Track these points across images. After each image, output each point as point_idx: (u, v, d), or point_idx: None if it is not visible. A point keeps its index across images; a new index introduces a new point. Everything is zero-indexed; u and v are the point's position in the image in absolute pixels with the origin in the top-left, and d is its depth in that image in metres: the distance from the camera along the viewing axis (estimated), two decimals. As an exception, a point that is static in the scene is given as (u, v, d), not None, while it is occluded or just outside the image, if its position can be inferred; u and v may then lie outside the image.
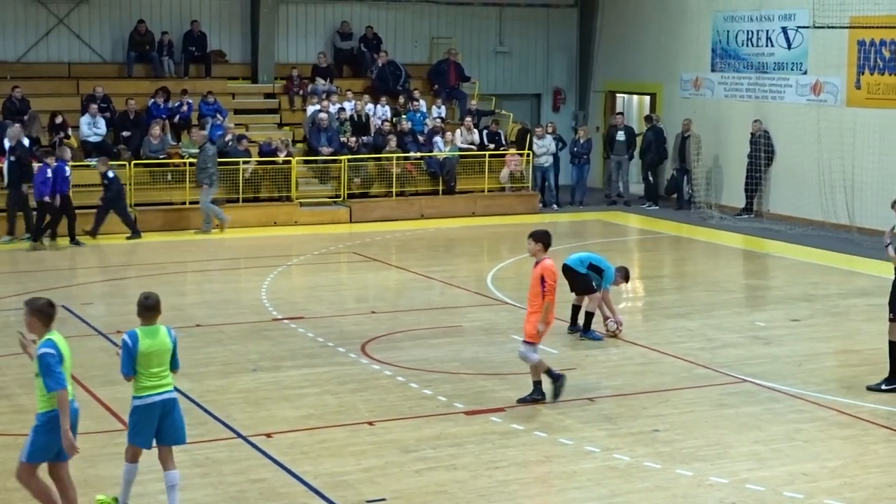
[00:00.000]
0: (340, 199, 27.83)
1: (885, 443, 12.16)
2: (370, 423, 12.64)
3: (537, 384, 13.40)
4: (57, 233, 23.82)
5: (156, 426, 9.89)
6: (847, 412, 13.18)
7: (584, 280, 16.47)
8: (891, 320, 13.88)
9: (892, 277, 13.84)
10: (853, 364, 15.49)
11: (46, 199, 23.19)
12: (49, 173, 23.20)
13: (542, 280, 13.15)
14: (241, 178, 26.45)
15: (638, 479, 11.04)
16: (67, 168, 23.74)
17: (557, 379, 13.46)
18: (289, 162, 27.12)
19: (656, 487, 10.84)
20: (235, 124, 28.43)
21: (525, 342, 13.34)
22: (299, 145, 28.95)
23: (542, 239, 13.57)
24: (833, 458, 11.73)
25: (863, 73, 26.03)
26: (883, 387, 13.90)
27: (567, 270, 16.64)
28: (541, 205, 29.66)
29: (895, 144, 24.79)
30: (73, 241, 23.87)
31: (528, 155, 29.63)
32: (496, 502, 10.48)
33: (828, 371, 15.28)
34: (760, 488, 10.80)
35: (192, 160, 26.16)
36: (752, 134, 28.22)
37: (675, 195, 30.13)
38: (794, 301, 19.29)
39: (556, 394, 13.42)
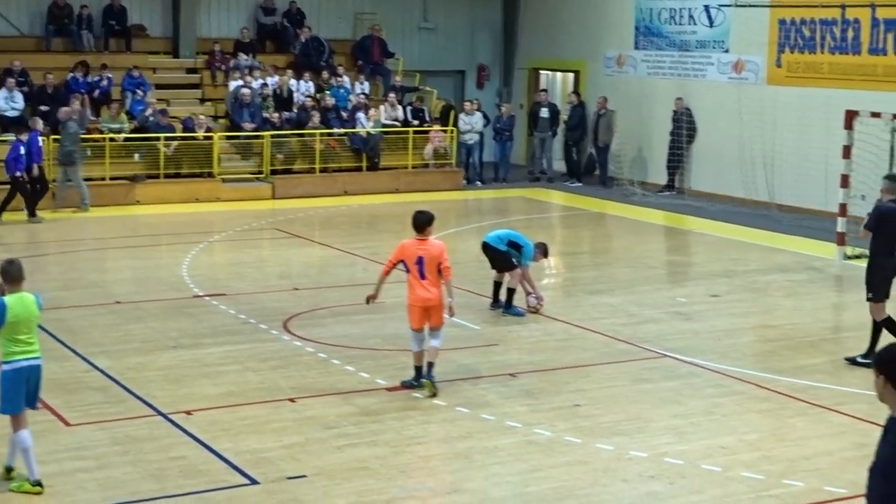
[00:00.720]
0: (263, 175, 27.64)
1: (802, 416, 12.31)
2: (292, 400, 12.58)
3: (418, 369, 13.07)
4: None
5: (25, 390, 9.89)
6: (765, 386, 13.33)
7: (505, 257, 16.50)
8: (869, 300, 14.08)
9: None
10: (771, 339, 15.68)
11: (18, 174, 23.12)
12: (22, 149, 23.08)
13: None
14: (161, 154, 26.17)
15: (559, 454, 11.09)
16: (41, 139, 23.77)
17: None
18: (210, 138, 26.88)
19: (577, 462, 10.90)
20: (157, 99, 28.12)
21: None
22: (221, 121, 28.71)
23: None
24: (751, 431, 11.86)
25: (783, 52, 26.28)
26: (858, 359, 14.08)
27: (487, 248, 16.68)
28: (465, 181, 29.67)
29: (814, 123, 25.05)
30: (32, 216, 23.68)
31: (452, 131, 29.61)
32: (417, 478, 10.48)
33: (746, 346, 15.45)
34: (679, 462, 10.90)
35: (112, 136, 25.85)
36: (674, 111, 28.41)
37: (595, 172, 30.31)
38: (715, 277, 19.46)
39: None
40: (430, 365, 12.90)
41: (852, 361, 14.13)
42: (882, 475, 5.86)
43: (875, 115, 20.90)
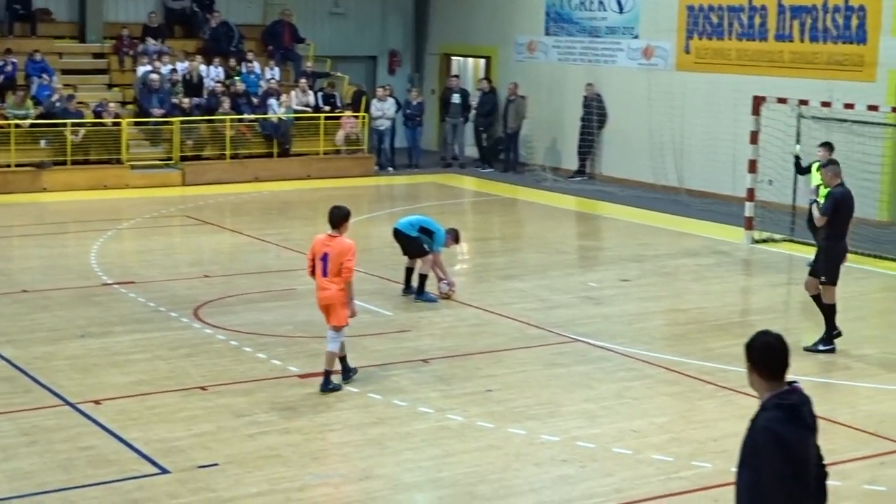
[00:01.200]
0: (173, 161, 27.37)
1: (711, 398, 12.46)
2: (202, 388, 12.49)
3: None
4: None
5: None
6: (675, 370, 13.47)
7: (416, 243, 16.49)
8: (822, 283, 14.23)
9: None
10: (681, 323, 15.85)
11: None
12: None
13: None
14: (69, 141, 25.80)
15: (471, 439, 11.12)
16: None
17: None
18: (118, 124, 26.55)
19: (489, 446, 10.93)
20: (64, 85, 27.72)
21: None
22: (130, 107, 28.37)
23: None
24: (661, 414, 11.98)
25: (692, 38, 26.53)
26: (820, 347, 14.23)
27: (398, 234, 16.66)
28: (377, 167, 29.61)
29: (722, 108, 25.32)
30: None
31: (364, 117, 29.53)
32: (330, 465, 10.46)
33: (656, 330, 15.59)
34: (591, 445, 10.98)
35: (17, 122, 25.45)
36: (584, 97, 28.56)
37: (504, 158, 30.39)
38: (625, 262, 19.62)
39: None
40: (327, 374, 12.41)
41: (813, 350, 14.26)
42: (744, 464, 5.99)
43: (781, 100, 21.17)
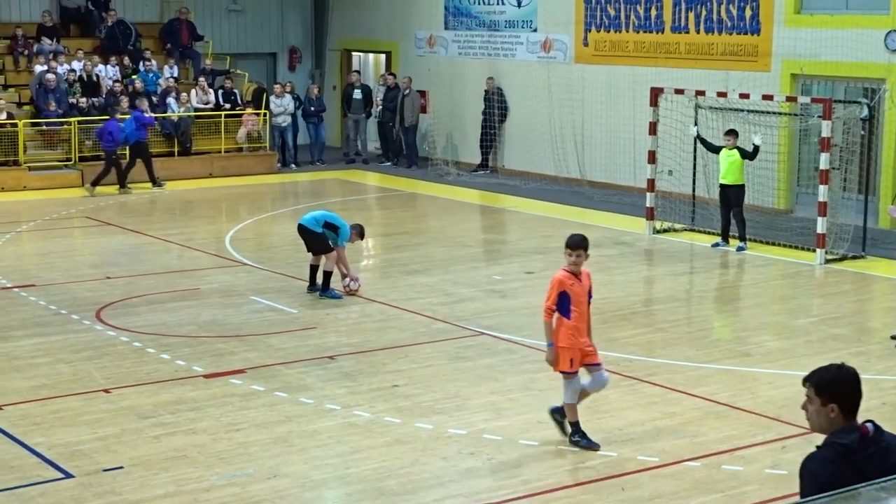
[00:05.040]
0: (71, 162, 27.00)
1: (615, 388, 12.50)
2: (106, 391, 12.36)
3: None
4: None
5: None
6: (579, 360, 13.55)
7: (321, 239, 16.45)
8: None
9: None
10: (585, 313, 15.94)
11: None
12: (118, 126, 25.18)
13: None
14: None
15: (378, 435, 11.13)
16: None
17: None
18: (15, 125, 26.13)
19: (396, 442, 10.95)
20: (-43, 86, 27.26)
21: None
22: (26, 107, 27.94)
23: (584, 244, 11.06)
24: (566, 405, 12.05)
25: (590, 31, 26.74)
26: None
27: (302, 230, 16.62)
28: (279, 164, 29.48)
29: (621, 100, 25.58)
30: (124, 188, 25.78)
31: (265, 114, 29.38)
32: (237, 464, 10.40)
33: (561, 321, 15.68)
34: (497, 438, 11.04)
35: None
36: (485, 91, 28.67)
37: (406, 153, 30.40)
38: (529, 254, 19.74)
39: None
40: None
41: None
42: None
43: (679, 91, 21.43)
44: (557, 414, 11.04)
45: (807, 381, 5.62)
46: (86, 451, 10.61)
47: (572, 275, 10.86)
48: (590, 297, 11.06)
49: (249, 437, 11.06)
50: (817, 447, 5.49)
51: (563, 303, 10.79)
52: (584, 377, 11.06)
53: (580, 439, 10.84)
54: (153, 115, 26.94)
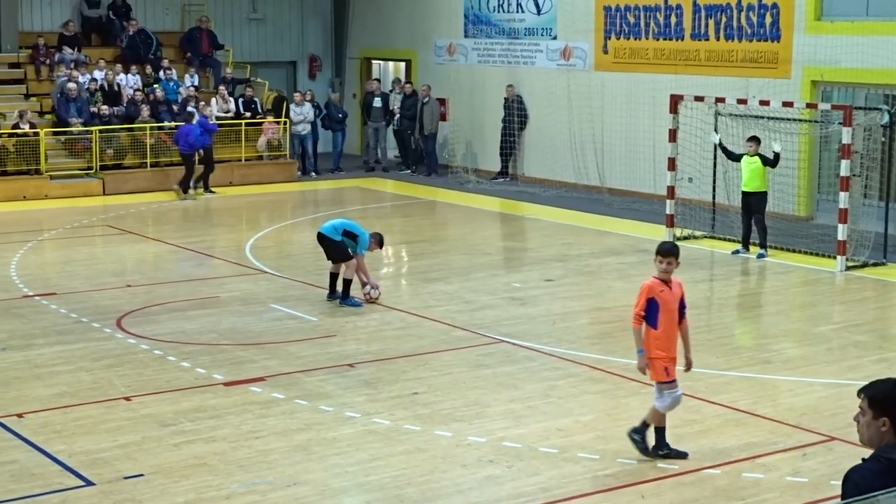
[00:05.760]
0: (92, 171, 27.12)
1: (635, 396, 12.54)
2: (127, 399, 12.39)
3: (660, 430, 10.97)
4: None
5: None
6: (599, 368, 13.57)
7: (340, 247, 16.47)
8: None
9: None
10: (605, 321, 15.96)
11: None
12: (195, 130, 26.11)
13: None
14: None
15: (398, 442, 11.13)
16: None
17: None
18: (37, 134, 26.25)
19: (416, 449, 10.95)
20: (-21, 96, 27.41)
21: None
22: (48, 116, 28.07)
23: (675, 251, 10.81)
24: (586, 412, 12.06)
25: (609, 38, 26.73)
26: None
27: (322, 238, 16.64)
28: (299, 172, 29.55)
29: (641, 108, 25.56)
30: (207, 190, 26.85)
31: (285, 123, 29.44)
32: (257, 472, 10.42)
33: (581, 329, 15.71)
34: (517, 445, 11.03)
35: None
36: (505, 99, 28.67)
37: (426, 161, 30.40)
38: (549, 262, 19.73)
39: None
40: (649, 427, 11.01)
41: None
42: None
43: (698, 98, 21.40)
44: (637, 434, 10.79)
45: (861, 392, 5.52)
46: (106, 459, 10.64)
47: (662, 282, 10.61)
48: (683, 306, 10.70)
49: (269, 445, 11.08)
50: (863, 459, 5.39)
51: (650, 311, 10.56)
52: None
53: (668, 451, 10.67)
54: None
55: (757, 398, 12.50)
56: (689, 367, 10.91)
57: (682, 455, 10.70)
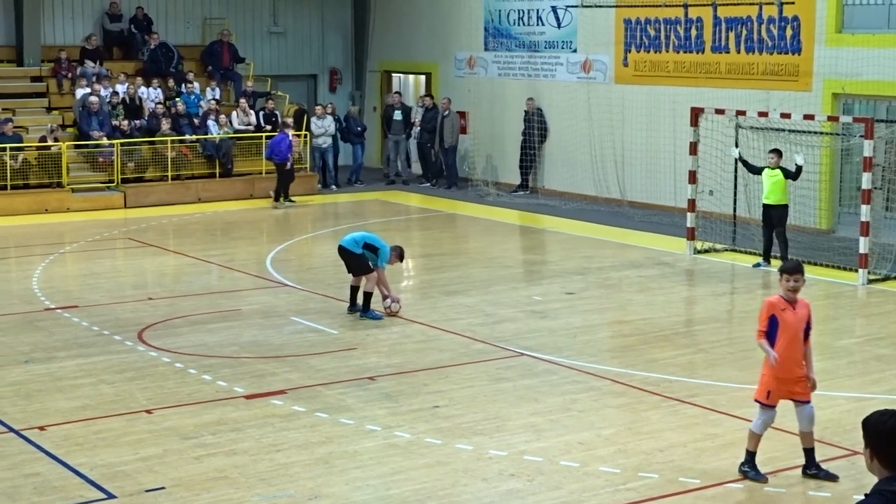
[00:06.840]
0: (114, 184, 27.22)
1: (656, 409, 12.53)
2: (148, 412, 12.42)
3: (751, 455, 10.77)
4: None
5: None
6: (620, 381, 13.54)
7: (360, 260, 16.48)
8: None
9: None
10: (625, 334, 15.94)
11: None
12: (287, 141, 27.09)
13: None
14: (7, 165, 25.59)
15: (419, 456, 11.12)
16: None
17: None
18: (59, 147, 26.37)
19: (437, 463, 10.95)
20: (1, 109, 27.51)
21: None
22: (70, 130, 28.20)
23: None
24: (607, 426, 12.03)
25: (629, 51, 26.73)
26: None
27: (342, 251, 16.66)
28: (320, 185, 29.60)
29: (662, 120, 25.54)
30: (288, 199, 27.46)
31: (305, 136, 29.51)
32: (278, 485, 10.42)
33: (601, 342, 15.68)
34: (538, 459, 11.01)
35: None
36: (525, 112, 28.68)
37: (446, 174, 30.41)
38: (569, 274, 19.71)
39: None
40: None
41: None
42: None
43: (719, 111, 21.37)
44: (746, 466, 10.59)
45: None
46: (128, 472, 10.66)
47: (787, 302, 10.42)
48: (808, 327, 10.49)
49: (290, 458, 11.09)
50: (865, 495, 5.27)
51: (770, 328, 10.35)
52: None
53: (749, 470, 10.53)
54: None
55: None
56: (813, 387, 10.69)
57: (761, 478, 10.44)
